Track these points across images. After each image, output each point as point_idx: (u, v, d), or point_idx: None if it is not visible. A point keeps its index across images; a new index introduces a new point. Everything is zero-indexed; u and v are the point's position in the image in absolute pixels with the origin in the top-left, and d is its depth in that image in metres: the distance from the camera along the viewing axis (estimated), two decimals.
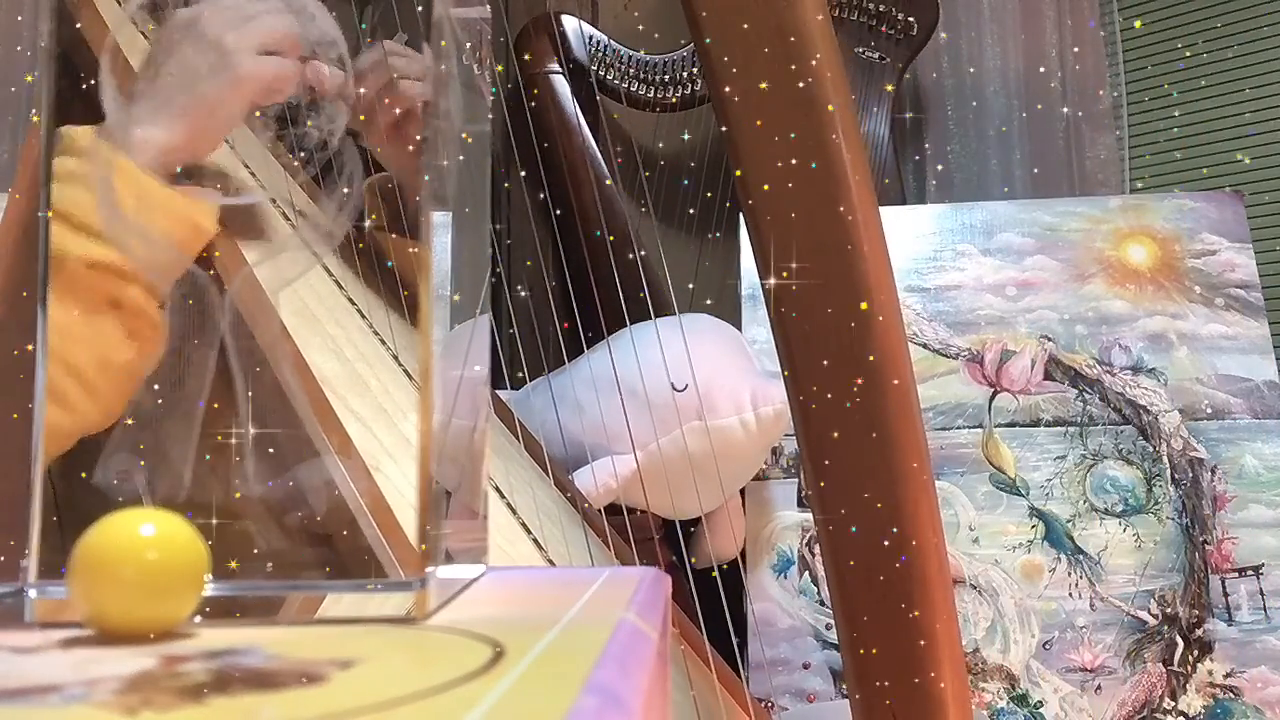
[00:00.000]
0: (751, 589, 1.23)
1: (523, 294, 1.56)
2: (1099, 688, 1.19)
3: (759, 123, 0.56)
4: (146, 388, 0.41)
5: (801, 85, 0.55)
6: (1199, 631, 1.20)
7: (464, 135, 0.43)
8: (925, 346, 1.32)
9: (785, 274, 0.56)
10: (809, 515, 1.26)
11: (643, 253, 1.51)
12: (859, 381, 0.56)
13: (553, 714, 0.21)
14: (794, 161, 0.55)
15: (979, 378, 1.31)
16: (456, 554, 0.40)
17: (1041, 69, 1.86)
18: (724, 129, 0.57)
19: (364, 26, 0.53)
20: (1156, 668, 1.20)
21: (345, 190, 0.48)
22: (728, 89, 0.56)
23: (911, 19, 1.75)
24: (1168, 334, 1.31)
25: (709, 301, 1.55)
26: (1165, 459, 1.27)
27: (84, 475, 0.39)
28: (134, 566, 0.30)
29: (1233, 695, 1.18)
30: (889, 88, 1.74)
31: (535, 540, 0.79)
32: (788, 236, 0.56)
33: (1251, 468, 1.25)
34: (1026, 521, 1.26)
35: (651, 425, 1.05)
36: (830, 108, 0.55)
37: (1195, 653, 1.20)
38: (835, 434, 0.56)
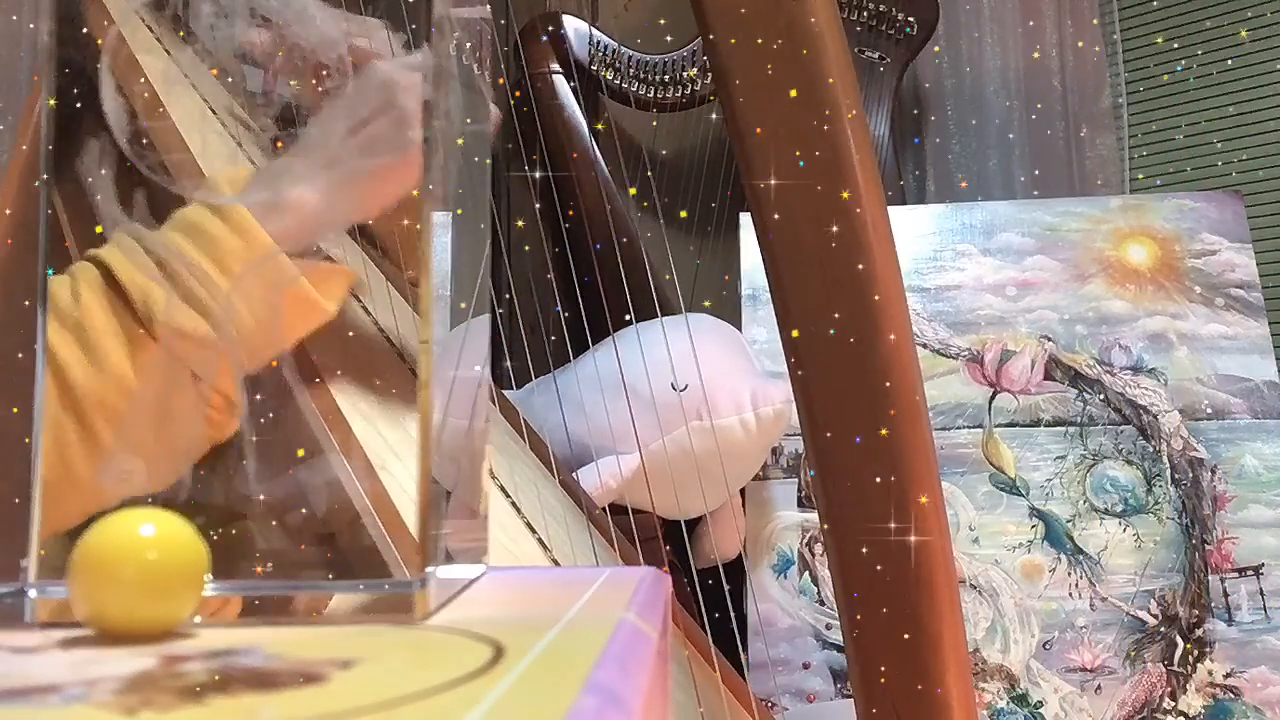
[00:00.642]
0: (751, 589, 1.23)
1: (522, 294, 1.56)
2: (1099, 688, 1.19)
3: (766, 124, 0.56)
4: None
5: (809, 85, 0.55)
6: (1199, 631, 1.20)
7: (464, 135, 0.43)
8: (925, 346, 1.32)
9: (790, 269, 0.56)
10: (809, 515, 1.26)
11: (642, 253, 1.51)
12: (865, 385, 0.56)
13: (553, 714, 0.21)
14: (802, 162, 0.55)
15: (979, 378, 1.31)
16: (456, 554, 0.40)
17: (1041, 69, 1.86)
18: (729, 128, 0.57)
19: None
20: (1156, 668, 1.20)
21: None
22: (736, 86, 0.56)
23: (911, 19, 1.75)
24: (1168, 334, 1.31)
25: (709, 301, 1.55)
26: (1165, 459, 1.27)
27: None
28: (134, 566, 0.30)
29: (1233, 695, 1.18)
30: (889, 88, 1.74)
31: (540, 540, 0.79)
32: (794, 233, 0.56)
33: (1251, 468, 1.25)
34: (1026, 521, 1.26)
35: (652, 425, 1.05)
36: (839, 110, 0.55)
37: (1195, 653, 1.20)
38: (841, 435, 0.56)
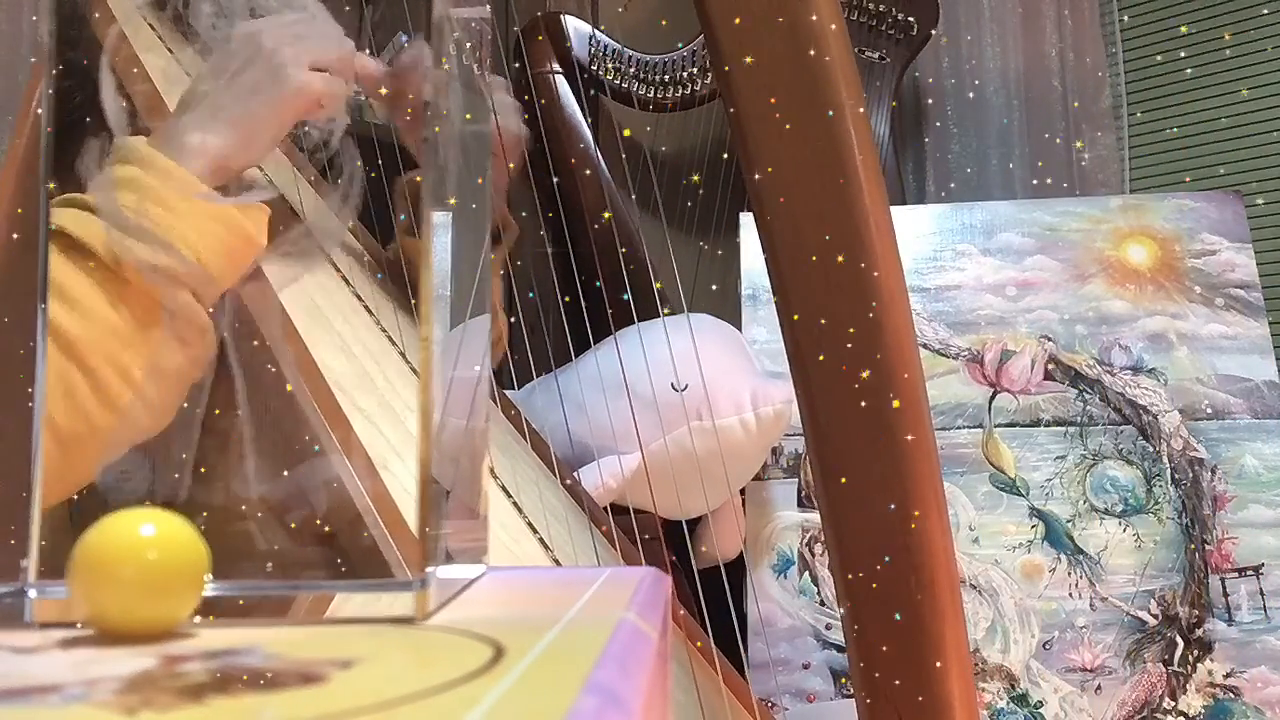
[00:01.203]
0: (751, 589, 1.23)
1: (522, 294, 1.56)
2: (1099, 688, 1.19)
3: (770, 121, 0.56)
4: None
5: (811, 82, 0.55)
6: (1199, 631, 1.20)
7: (464, 135, 0.43)
8: (925, 346, 1.32)
9: (793, 271, 0.56)
10: (809, 515, 1.26)
11: (641, 253, 1.51)
12: (868, 383, 0.56)
13: (553, 714, 0.21)
14: (805, 160, 0.55)
15: (979, 378, 1.31)
16: (456, 554, 0.40)
17: (1041, 69, 1.86)
18: (730, 113, 0.57)
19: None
20: (1156, 668, 1.20)
21: (347, 187, 0.48)
22: (737, 83, 0.56)
23: (911, 19, 1.75)
24: (1168, 334, 1.31)
25: (709, 301, 1.55)
26: (1165, 459, 1.27)
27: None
28: (134, 566, 0.30)
29: (1233, 695, 1.18)
30: (889, 87, 1.74)
31: (541, 540, 0.79)
32: (797, 234, 0.56)
33: (1251, 468, 1.25)
34: (1026, 521, 1.26)
35: (653, 425, 1.05)
36: (843, 110, 0.55)
37: (1195, 653, 1.20)
38: (843, 435, 0.56)
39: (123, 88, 0.40)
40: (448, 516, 0.38)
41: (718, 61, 0.57)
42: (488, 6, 0.47)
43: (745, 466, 1.15)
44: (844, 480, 0.56)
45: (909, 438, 0.56)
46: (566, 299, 1.49)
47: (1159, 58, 1.85)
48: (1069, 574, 1.24)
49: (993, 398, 1.30)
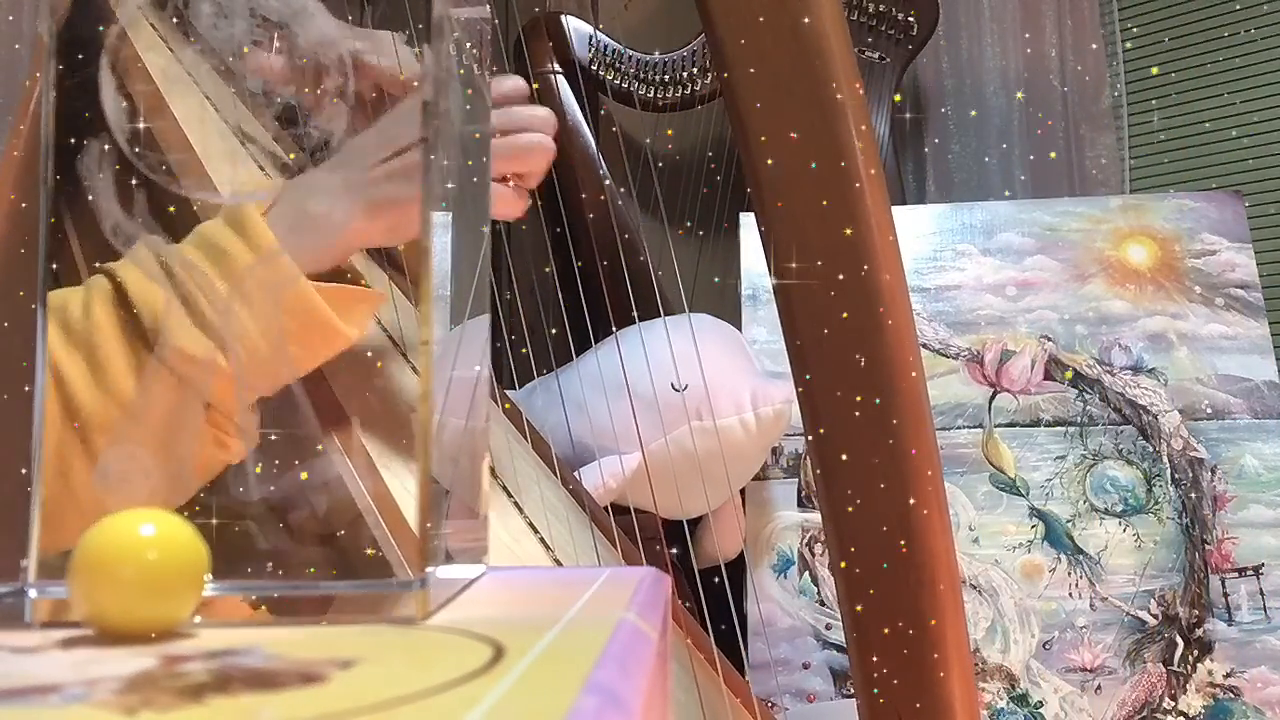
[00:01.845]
0: (752, 589, 1.23)
1: (523, 294, 1.56)
2: (1099, 688, 1.19)
3: (771, 120, 0.56)
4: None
5: (815, 80, 0.55)
6: (1199, 631, 1.20)
7: (464, 135, 0.43)
8: (925, 346, 1.32)
9: (796, 272, 0.56)
10: (809, 515, 1.26)
11: (641, 254, 1.51)
12: (869, 383, 0.56)
13: (553, 714, 0.21)
14: (807, 159, 0.55)
15: (979, 378, 1.31)
16: (456, 554, 0.40)
17: (1041, 69, 1.86)
18: (731, 112, 0.57)
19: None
20: (1156, 668, 1.20)
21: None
22: (738, 83, 0.56)
23: (911, 19, 1.74)
24: (1168, 334, 1.31)
25: (709, 301, 1.55)
26: (1165, 459, 1.27)
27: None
28: (134, 566, 0.30)
29: (1233, 695, 1.18)
30: (889, 88, 1.74)
31: (542, 540, 0.79)
32: (799, 236, 0.56)
33: (1251, 468, 1.25)
34: (1026, 521, 1.26)
35: (653, 424, 1.05)
36: (843, 109, 0.55)
37: (1195, 653, 1.20)
38: (841, 434, 0.56)
39: (123, 87, 0.40)
40: (448, 516, 0.38)
41: (719, 61, 0.57)
42: (488, 6, 0.47)
43: (745, 466, 1.15)
44: (845, 480, 0.56)
45: (909, 437, 0.56)
46: (566, 299, 1.49)
47: (1159, 58, 1.85)
48: (1069, 574, 1.24)
49: (993, 398, 1.30)
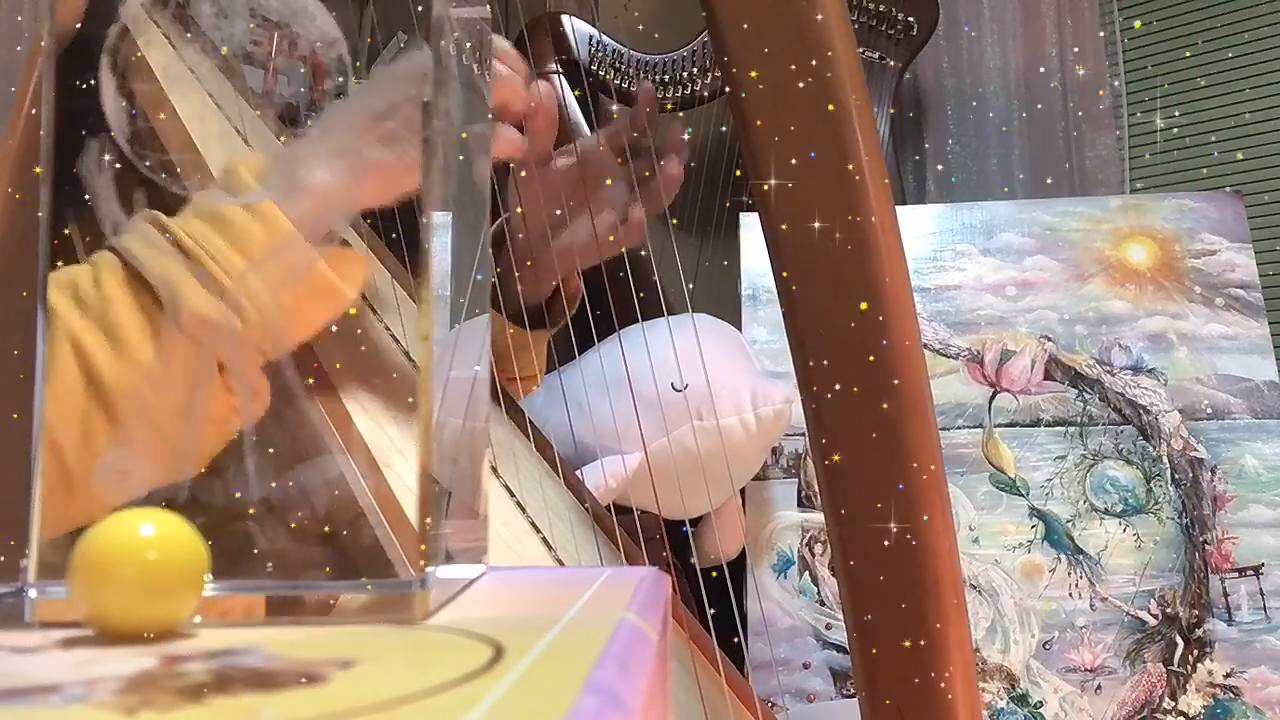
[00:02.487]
0: (753, 589, 1.23)
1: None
2: (1099, 688, 1.19)
3: (772, 118, 0.56)
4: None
5: (817, 80, 0.55)
6: (1199, 631, 1.20)
7: (464, 135, 0.43)
8: (925, 346, 1.31)
9: (798, 271, 0.56)
10: (809, 515, 1.26)
11: (643, 253, 1.51)
12: (869, 381, 0.56)
13: (553, 714, 0.21)
14: (808, 157, 0.55)
15: (979, 378, 1.31)
16: (456, 554, 0.40)
17: (1041, 69, 1.86)
18: (734, 112, 0.57)
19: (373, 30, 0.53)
20: (1156, 668, 1.20)
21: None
22: (741, 84, 0.56)
23: (911, 19, 1.74)
24: (1168, 334, 1.31)
25: (709, 302, 1.55)
26: (1165, 459, 1.27)
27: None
28: (134, 566, 0.30)
29: (1233, 695, 1.18)
30: (889, 88, 1.74)
31: (544, 539, 0.79)
32: (802, 234, 0.56)
33: (1251, 468, 1.25)
34: (1026, 521, 1.26)
35: (653, 424, 1.05)
36: (847, 104, 0.55)
37: (1195, 653, 1.20)
38: (843, 434, 0.56)
39: (124, 85, 0.40)
40: (448, 516, 0.38)
41: (723, 62, 0.57)
42: (488, 6, 0.47)
43: (745, 466, 1.15)
44: (847, 480, 0.56)
45: (912, 438, 0.56)
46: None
47: (1159, 58, 1.85)
48: (1069, 574, 1.24)
49: (993, 398, 1.30)
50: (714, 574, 1.01)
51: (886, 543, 0.55)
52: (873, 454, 0.56)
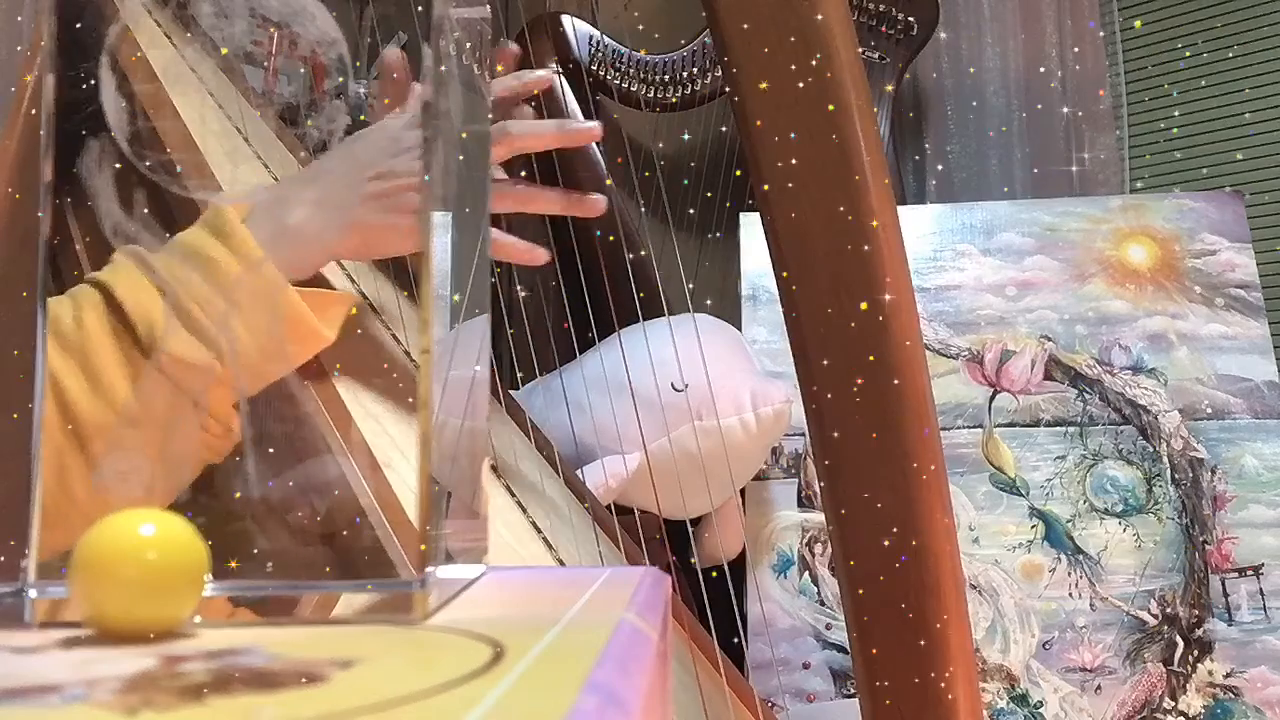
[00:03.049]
0: (753, 589, 1.23)
1: (523, 294, 1.56)
2: (1099, 688, 1.19)
3: (772, 118, 0.56)
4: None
5: (818, 81, 0.55)
6: (1199, 631, 1.20)
7: (464, 135, 0.43)
8: (925, 346, 1.31)
9: (799, 270, 0.56)
10: (809, 515, 1.26)
11: (643, 253, 1.51)
12: (869, 381, 0.56)
13: (553, 714, 0.21)
14: (808, 158, 0.55)
15: (979, 378, 1.31)
16: (456, 554, 0.40)
17: (1041, 69, 1.86)
18: (736, 113, 0.57)
19: (375, 29, 0.53)
20: (1156, 668, 1.20)
21: None
22: (742, 85, 0.56)
23: (911, 19, 1.74)
24: (1168, 334, 1.31)
25: (709, 301, 1.55)
26: (1165, 459, 1.27)
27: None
28: (134, 566, 0.30)
29: (1233, 695, 1.18)
30: (889, 88, 1.74)
31: (545, 540, 0.79)
32: (803, 233, 0.56)
33: (1251, 468, 1.25)
34: (1026, 521, 1.26)
35: (653, 424, 1.05)
36: (848, 104, 0.55)
37: (1195, 653, 1.20)
38: (845, 434, 0.56)
39: (123, 85, 0.40)
40: (448, 516, 0.38)
41: (724, 63, 0.57)
42: (488, 6, 0.47)
43: (745, 466, 1.15)
44: (847, 481, 0.56)
45: (913, 438, 0.56)
46: (568, 298, 1.49)
47: (1159, 58, 1.85)
48: (1069, 574, 1.24)
49: (993, 398, 1.30)
50: (714, 574, 1.01)
51: (887, 543, 0.55)
52: (873, 454, 0.56)
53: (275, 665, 0.27)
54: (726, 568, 1.00)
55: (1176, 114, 1.83)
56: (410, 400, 0.36)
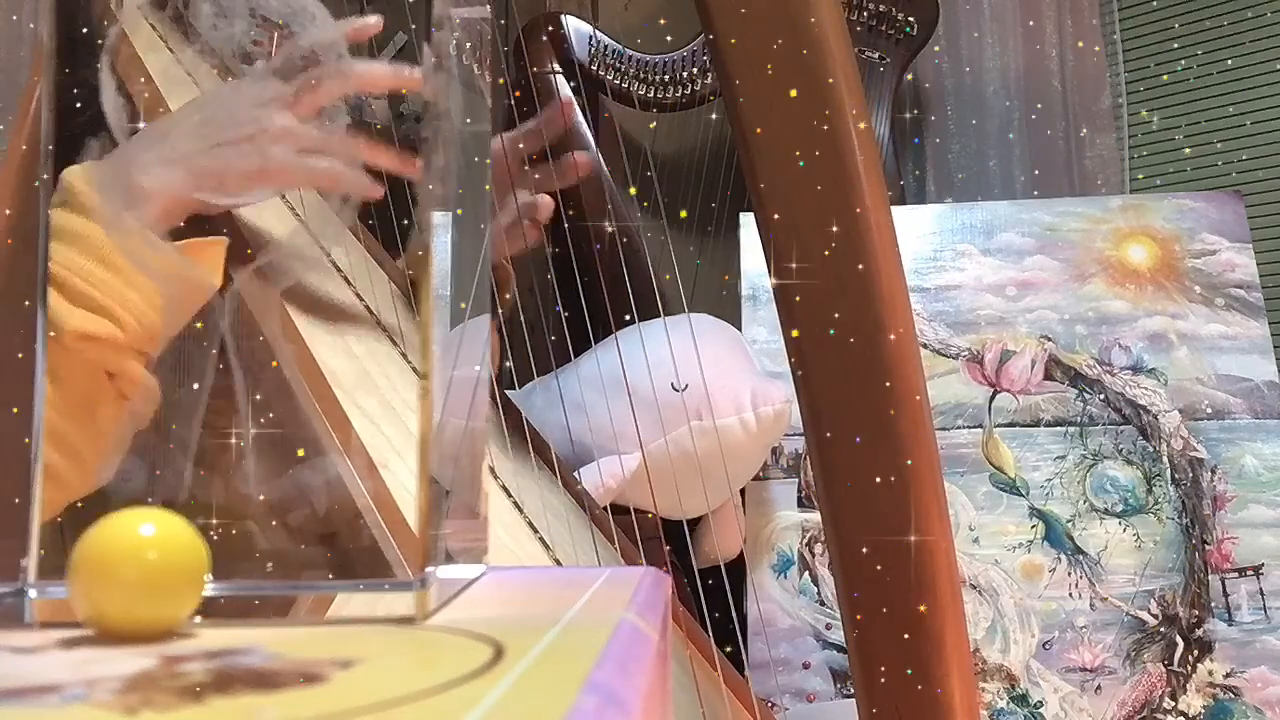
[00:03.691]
0: (752, 589, 1.23)
1: (523, 294, 1.56)
2: (1099, 688, 1.19)
3: (769, 124, 0.56)
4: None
5: (813, 86, 0.55)
6: (1199, 631, 1.20)
7: (464, 135, 0.43)
8: (925, 346, 1.32)
9: (796, 271, 0.56)
10: (809, 515, 1.26)
11: (644, 252, 1.51)
12: (865, 381, 0.56)
13: (553, 714, 0.21)
14: (803, 162, 0.55)
15: (979, 378, 1.31)
16: (456, 554, 0.40)
17: (1041, 69, 1.86)
18: (732, 113, 0.57)
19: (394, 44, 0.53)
20: (1156, 668, 1.20)
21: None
22: (737, 91, 0.56)
23: (911, 19, 1.74)
24: (1168, 334, 1.31)
25: (709, 301, 1.55)
26: (1165, 459, 1.27)
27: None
28: (134, 566, 0.30)
29: (1233, 695, 1.18)
30: (889, 88, 1.74)
31: (542, 540, 0.79)
32: (798, 234, 0.56)
33: (1251, 468, 1.25)
34: (1026, 521, 1.26)
35: (653, 424, 1.05)
36: (843, 108, 0.55)
37: (1195, 653, 1.20)
38: (839, 434, 0.56)
39: (123, 87, 0.40)
40: (448, 516, 0.38)
41: (719, 62, 0.57)
42: (488, 6, 0.47)
43: (745, 466, 1.15)
44: (845, 480, 0.56)
45: (909, 438, 0.56)
46: (566, 299, 1.49)
47: (1159, 58, 1.85)
48: (1069, 574, 1.24)
49: (993, 398, 1.30)
50: (710, 579, 1.01)
51: (882, 542, 0.55)
52: (868, 454, 0.56)
53: (275, 665, 0.27)
54: (725, 568, 1.00)
55: (1176, 114, 1.83)
56: (409, 402, 0.36)
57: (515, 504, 0.81)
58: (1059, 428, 1.29)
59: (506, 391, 1.16)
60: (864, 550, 0.56)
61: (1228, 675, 1.19)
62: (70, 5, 0.38)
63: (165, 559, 0.30)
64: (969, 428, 1.30)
